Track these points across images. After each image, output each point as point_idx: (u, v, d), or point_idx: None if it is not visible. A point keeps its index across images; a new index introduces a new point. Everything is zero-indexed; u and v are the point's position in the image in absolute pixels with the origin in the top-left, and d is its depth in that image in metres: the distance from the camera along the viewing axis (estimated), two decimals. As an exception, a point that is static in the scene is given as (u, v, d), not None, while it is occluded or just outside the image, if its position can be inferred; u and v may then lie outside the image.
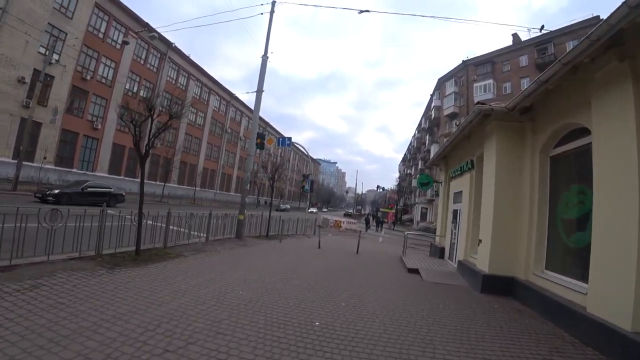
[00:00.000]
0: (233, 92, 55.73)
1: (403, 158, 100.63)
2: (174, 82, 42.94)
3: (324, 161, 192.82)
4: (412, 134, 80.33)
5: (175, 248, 8.52)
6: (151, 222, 8.21)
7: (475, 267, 7.85)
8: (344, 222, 25.73)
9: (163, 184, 37.69)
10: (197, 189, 45.85)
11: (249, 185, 11.03)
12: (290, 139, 18.54)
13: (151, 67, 39.17)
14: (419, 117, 74.87)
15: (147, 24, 33.91)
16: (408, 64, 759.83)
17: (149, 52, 38.58)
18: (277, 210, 42.02)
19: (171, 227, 8.84)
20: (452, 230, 10.74)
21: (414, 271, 9.02)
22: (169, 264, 6.73)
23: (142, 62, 37.69)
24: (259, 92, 12.78)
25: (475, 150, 9.30)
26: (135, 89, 37.17)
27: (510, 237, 7.02)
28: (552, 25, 38.19)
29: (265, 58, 13.07)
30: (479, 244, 7.88)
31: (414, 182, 66.75)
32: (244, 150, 62.37)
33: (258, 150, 15.06)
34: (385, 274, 8.60)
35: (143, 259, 6.88)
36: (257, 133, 19.33)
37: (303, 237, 16.84)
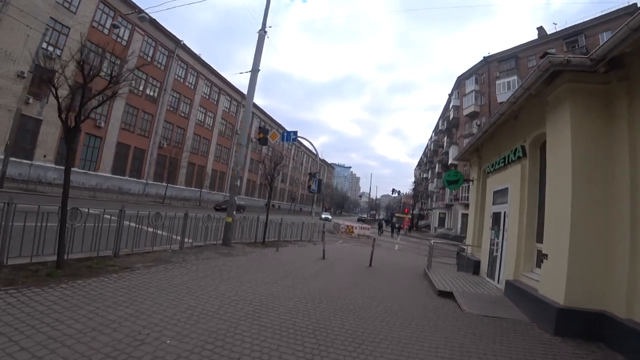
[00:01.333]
0: (242, 91, 54.23)
1: (419, 162, 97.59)
2: (182, 80, 41.70)
3: (338, 165, 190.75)
4: (429, 137, 77.47)
5: (130, 257, 6.51)
6: (131, 224, 6.37)
7: (537, 292, 5.53)
8: (356, 228, 23.47)
9: (166, 184, 36.15)
10: (204, 190, 44.37)
11: (238, 182, 9.05)
12: (296, 133, 16.49)
13: (158, 65, 37.93)
14: (434, 121, 72.49)
15: (135, 5, 32.15)
16: (422, 67, 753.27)
17: (156, 50, 37.38)
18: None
19: (150, 229, 6.94)
20: (491, 239, 8.42)
21: (447, 295, 6.73)
22: (95, 283, 4.67)
23: (148, 59, 36.44)
24: (254, 71, 10.79)
25: (527, 132, 7.02)
26: (142, 87, 35.99)
27: (597, 251, 4.73)
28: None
29: (262, 33, 11.11)
30: (542, 261, 5.58)
31: (431, 186, 63.91)
32: (255, 152, 60.94)
33: (264, 146, 13.28)
34: (408, 301, 6.28)
35: (65, 273, 4.89)
36: (260, 127, 17.45)
37: (309, 244, 14.71)
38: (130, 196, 31.36)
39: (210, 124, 48.01)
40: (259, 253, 9.57)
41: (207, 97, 47.10)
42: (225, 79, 50.05)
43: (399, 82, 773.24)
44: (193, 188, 42.97)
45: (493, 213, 8.50)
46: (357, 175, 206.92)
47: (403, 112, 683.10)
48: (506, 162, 7.84)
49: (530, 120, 6.85)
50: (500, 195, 8.15)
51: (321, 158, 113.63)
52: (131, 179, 35.23)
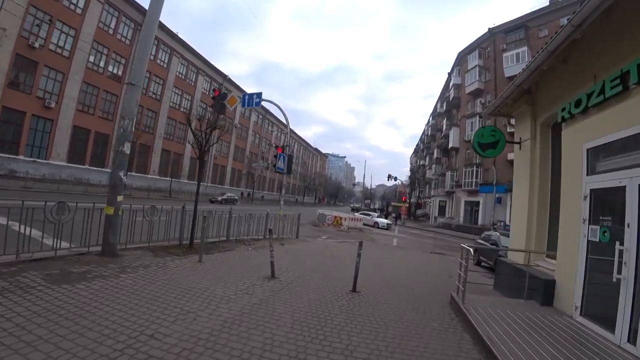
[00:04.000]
0: (224, 71, 49.70)
1: (415, 149, 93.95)
2: (152, 57, 37.14)
3: (333, 155, 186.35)
4: (426, 122, 73.56)
5: None
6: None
7: None
8: (345, 219, 19.55)
9: (132, 174, 31.71)
10: (182, 180, 40.31)
11: (125, 149, 4.99)
12: (260, 95, 12.47)
13: (123, 38, 33.33)
14: (430, 110, 68.17)
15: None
16: (417, 56, 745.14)
17: (119, 21, 32.73)
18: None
19: None
20: (585, 242, 4.50)
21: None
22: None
23: (110, 31, 31.87)
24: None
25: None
26: (103, 62, 31.47)
27: None
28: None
29: None
30: None
31: (429, 173, 60.21)
32: (239, 139, 56.66)
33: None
34: None
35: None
36: (215, 90, 13.41)
37: (276, 243, 10.85)
38: (91, 187, 27.08)
39: (187, 107, 43.47)
40: (155, 269, 5.56)
41: (183, 77, 42.59)
42: (205, 59, 45.51)
43: (393, 71, 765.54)
44: (168, 178, 38.71)
45: (593, 191, 4.58)
46: (352, 165, 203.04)
47: (398, 102, 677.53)
48: (626, 85, 3.95)
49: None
50: (616, 150, 4.24)
51: (315, 147, 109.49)
52: (93, 168, 30.95)
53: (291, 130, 62.44)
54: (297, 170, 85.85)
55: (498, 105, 7.64)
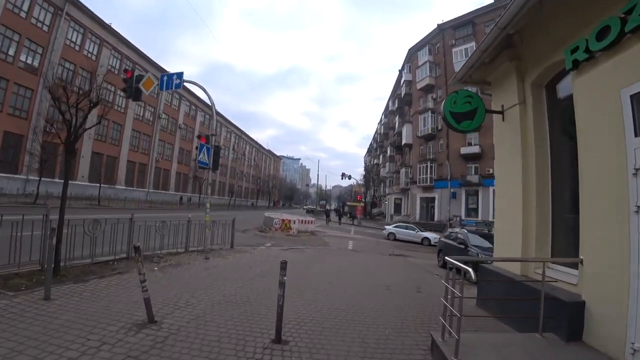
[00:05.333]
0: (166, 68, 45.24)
1: (368, 149, 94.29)
2: (78, 48, 32.33)
3: (287, 158, 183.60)
4: (378, 121, 73.65)
5: None
6: None
7: None
8: (294, 222, 17.31)
9: (43, 179, 26.53)
10: (118, 187, 35.77)
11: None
12: (181, 75, 9.97)
13: (39, 24, 28.36)
14: (381, 111, 68.17)
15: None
16: (368, 57, 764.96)
17: (33, 2, 27.70)
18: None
19: None
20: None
21: None
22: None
23: (22, 14, 26.91)
24: None
25: None
26: (13, 51, 26.43)
27: None
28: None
29: None
30: None
31: (383, 172, 59.91)
32: (184, 140, 52.42)
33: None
34: None
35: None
36: (127, 70, 10.71)
37: (199, 257, 8.39)
38: (3, 197, 22.28)
39: (123, 105, 38.63)
40: None
41: (114, 71, 37.84)
42: (143, 53, 41.05)
43: (345, 72, 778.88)
44: (103, 185, 33.86)
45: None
46: (307, 167, 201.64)
47: (350, 103, 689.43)
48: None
49: None
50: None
51: (268, 149, 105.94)
52: (3, 174, 25.86)
53: (241, 131, 59.79)
54: (249, 174, 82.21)
55: (472, 64, 5.93)
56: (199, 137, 9.64)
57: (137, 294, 4.50)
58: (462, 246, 9.87)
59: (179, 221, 9.13)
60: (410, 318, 4.90)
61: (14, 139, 27.20)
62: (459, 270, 3.20)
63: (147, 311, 3.72)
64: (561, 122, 4.71)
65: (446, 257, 3.45)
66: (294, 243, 14.43)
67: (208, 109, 60.52)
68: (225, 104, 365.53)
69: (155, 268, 6.84)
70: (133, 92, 10.30)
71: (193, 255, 8.54)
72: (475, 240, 9.95)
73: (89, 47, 33.97)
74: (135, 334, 3.44)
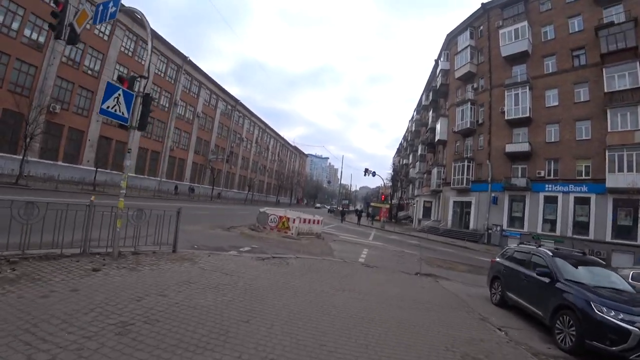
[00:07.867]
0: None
1: (398, 149, 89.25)
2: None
3: (315, 156, 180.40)
4: (410, 118, 68.66)
5: None
6: None
7: None
8: (294, 220, 13.51)
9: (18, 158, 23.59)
10: (109, 171, 33.50)
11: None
12: (117, 2, 6.71)
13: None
14: (411, 113, 62.89)
15: None
16: (400, 58, 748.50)
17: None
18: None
19: None
20: None
21: None
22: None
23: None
24: None
25: None
26: (17, 25, 24.42)
27: None
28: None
29: None
30: None
31: (412, 172, 55.04)
32: (202, 130, 50.21)
33: None
34: None
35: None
36: (58, 3, 7.58)
37: (79, 266, 4.98)
38: None
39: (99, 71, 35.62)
40: None
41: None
42: (163, 38, 38.91)
43: (377, 73, 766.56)
44: (103, 170, 31.65)
45: None
46: (335, 167, 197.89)
47: (381, 104, 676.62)
48: None
49: None
50: None
51: (294, 145, 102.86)
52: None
53: (265, 124, 56.23)
54: (272, 169, 79.36)
55: None
56: (119, 78, 6.20)
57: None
58: (545, 279, 5.82)
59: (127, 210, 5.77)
60: None
61: (13, 117, 25.27)
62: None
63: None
64: None
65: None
66: (285, 249, 10.80)
67: (230, 98, 58.12)
68: (256, 101, 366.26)
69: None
70: (64, 30, 7.15)
71: (80, 263, 5.11)
72: (570, 270, 5.86)
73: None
74: None
